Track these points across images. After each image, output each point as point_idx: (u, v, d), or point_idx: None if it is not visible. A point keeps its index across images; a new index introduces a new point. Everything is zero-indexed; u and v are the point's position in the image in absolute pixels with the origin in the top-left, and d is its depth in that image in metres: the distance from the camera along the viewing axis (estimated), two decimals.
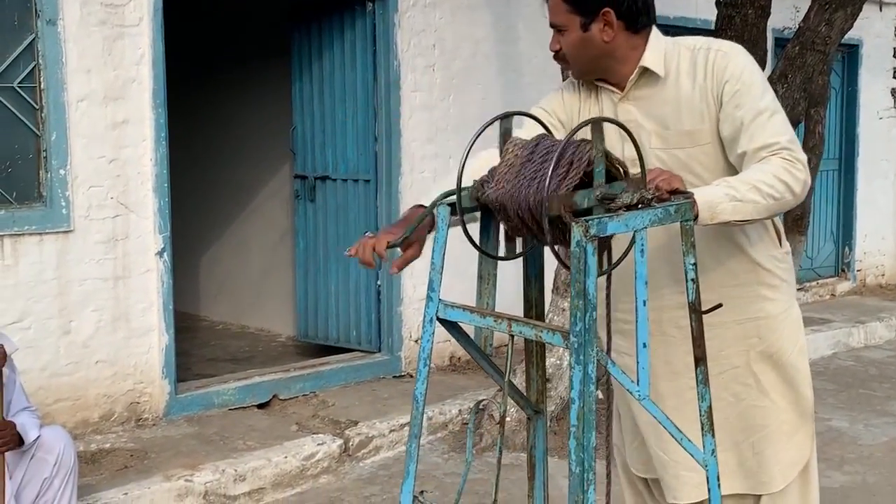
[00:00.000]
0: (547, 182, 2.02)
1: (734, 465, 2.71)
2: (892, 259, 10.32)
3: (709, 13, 6.27)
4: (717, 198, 2.31)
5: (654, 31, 2.64)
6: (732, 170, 2.55)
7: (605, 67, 2.63)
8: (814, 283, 9.44)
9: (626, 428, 2.92)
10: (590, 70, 2.65)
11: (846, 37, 6.20)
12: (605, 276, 2.37)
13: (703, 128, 2.56)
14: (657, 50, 2.61)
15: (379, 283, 6.31)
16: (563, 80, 5.41)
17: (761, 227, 2.68)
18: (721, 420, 2.65)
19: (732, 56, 2.55)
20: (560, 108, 2.77)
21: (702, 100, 2.55)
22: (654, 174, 2.24)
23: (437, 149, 6.44)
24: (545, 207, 2.01)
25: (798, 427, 2.75)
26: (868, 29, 9.42)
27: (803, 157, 2.48)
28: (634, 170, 2.24)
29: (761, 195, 2.36)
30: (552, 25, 2.61)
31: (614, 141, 2.58)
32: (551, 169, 2.02)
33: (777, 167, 2.41)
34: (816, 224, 9.47)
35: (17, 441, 3.50)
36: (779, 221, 2.76)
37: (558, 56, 2.63)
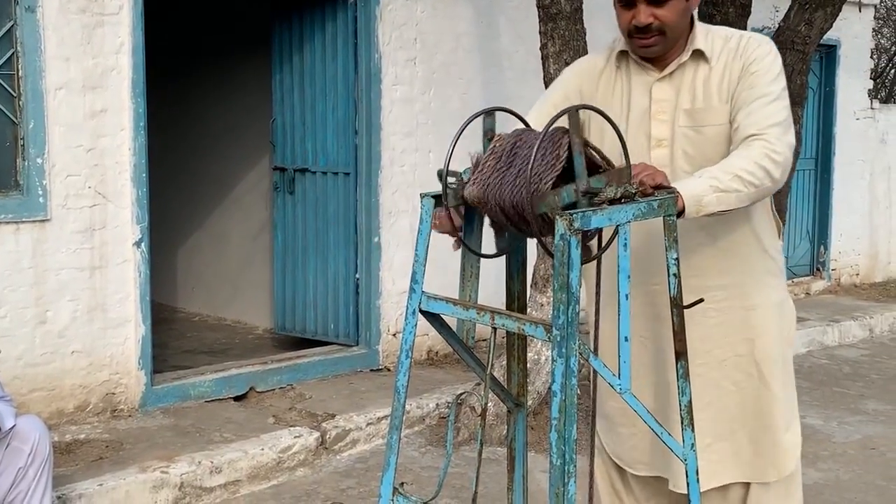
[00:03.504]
0: (528, 181, 2.02)
1: (729, 454, 2.72)
2: (867, 259, 10.41)
3: None
4: (701, 190, 2.33)
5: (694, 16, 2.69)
6: None
7: (676, 42, 2.62)
8: (789, 282, 9.50)
9: (623, 424, 2.86)
10: (672, 45, 2.61)
11: (824, 37, 6.24)
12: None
13: (727, 107, 2.59)
14: (702, 33, 2.65)
15: (357, 276, 6.30)
16: (545, 77, 5.44)
17: (768, 218, 2.72)
18: (720, 409, 2.68)
19: (763, 44, 2.61)
20: (577, 87, 2.74)
21: (729, 78, 2.59)
22: (638, 169, 2.25)
23: (417, 143, 6.44)
24: (533, 207, 2.02)
25: (791, 421, 2.80)
26: (846, 30, 9.49)
27: (790, 140, 2.51)
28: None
29: (743, 184, 2.39)
30: None
31: (634, 127, 2.62)
32: (531, 168, 2.02)
33: (758, 152, 2.44)
34: (792, 223, 9.54)
35: None
36: (776, 216, 2.80)
37: (644, 30, 2.55)
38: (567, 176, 2.09)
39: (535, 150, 2.04)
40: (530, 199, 2.03)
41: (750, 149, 2.45)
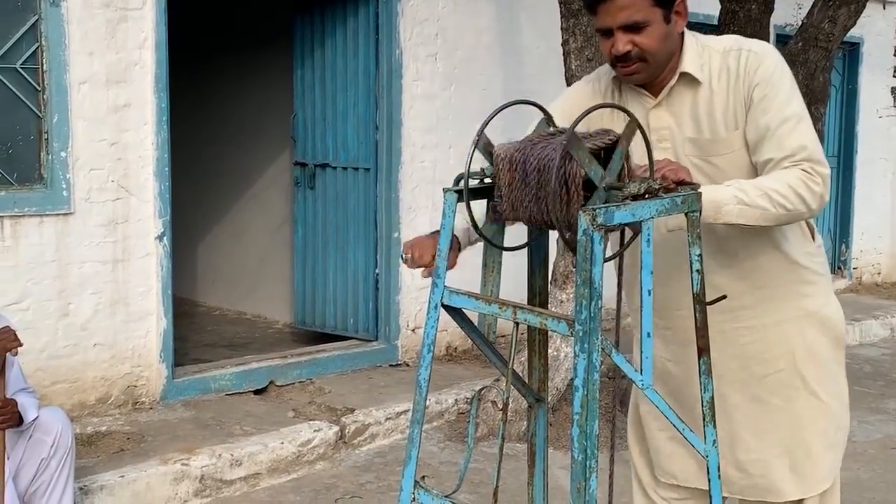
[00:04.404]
0: (565, 141, 2.00)
1: (787, 470, 2.65)
2: (889, 258, 10.35)
3: (712, 8, 6.28)
4: (724, 198, 2.30)
5: (686, 30, 2.52)
6: None
7: (664, 67, 2.47)
8: None
9: (662, 436, 2.81)
10: (659, 70, 2.47)
11: (848, 35, 6.20)
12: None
13: (737, 133, 2.47)
14: (693, 52, 2.49)
15: (377, 271, 6.32)
16: (566, 74, 5.42)
17: (794, 224, 2.61)
18: (772, 426, 2.63)
19: (763, 57, 2.45)
20: (578, 109, 2.63)
21: (734, 104, 2.45)
22: (661, 164, 2.23)
23: (438, 138, 6.44)
24: (570, 144, 1.98)
25: (845, 421, 2.76)
26: (870, 27, 9.43)
27: (826, 170, 2.42)
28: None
29: (772, 203, 2.34)
30: (625, 26, 2.38)
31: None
32: (569, 133, 2.01)
33: (795, 178, 2.37)
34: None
35: (18, 420, 3.51)
36: (807, 220, 2.68)
37: (624, 58, 2.41)
38: (586, 185, 2.07)
39: (573, 128, 2.02)
40: (571, 141, 1.98)
41: (788, 173, 2.38)
